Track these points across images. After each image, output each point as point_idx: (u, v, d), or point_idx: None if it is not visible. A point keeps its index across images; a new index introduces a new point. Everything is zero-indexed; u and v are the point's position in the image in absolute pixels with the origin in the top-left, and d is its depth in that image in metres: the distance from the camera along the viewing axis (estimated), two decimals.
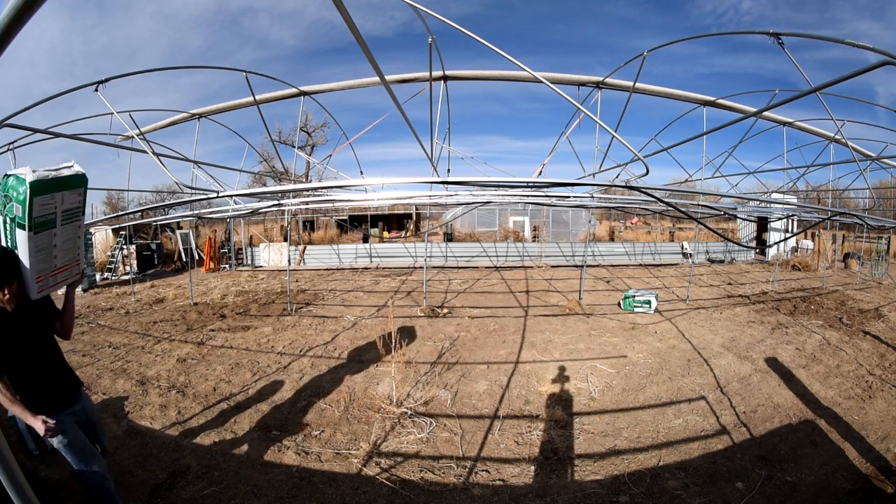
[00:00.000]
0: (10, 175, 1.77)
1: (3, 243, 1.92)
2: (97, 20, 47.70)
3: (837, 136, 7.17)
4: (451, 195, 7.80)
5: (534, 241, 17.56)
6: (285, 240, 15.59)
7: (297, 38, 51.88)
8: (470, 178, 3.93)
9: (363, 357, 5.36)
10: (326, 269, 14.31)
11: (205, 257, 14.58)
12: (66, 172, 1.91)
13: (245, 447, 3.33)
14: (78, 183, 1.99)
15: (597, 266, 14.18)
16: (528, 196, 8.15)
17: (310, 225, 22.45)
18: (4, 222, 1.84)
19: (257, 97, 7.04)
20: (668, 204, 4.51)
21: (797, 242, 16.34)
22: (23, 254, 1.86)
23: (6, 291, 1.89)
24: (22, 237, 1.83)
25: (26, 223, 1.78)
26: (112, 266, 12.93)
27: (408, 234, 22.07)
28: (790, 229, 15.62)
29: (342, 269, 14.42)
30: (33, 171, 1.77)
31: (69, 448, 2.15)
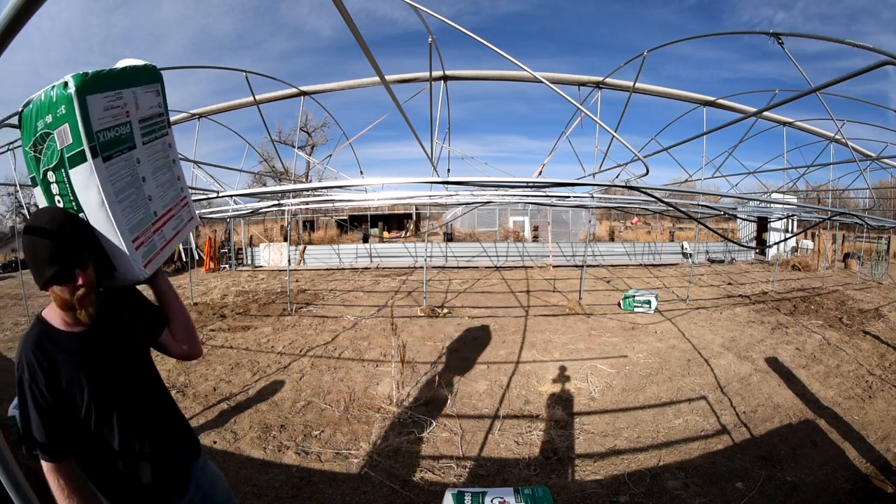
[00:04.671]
0: (35, 97, 1.08)
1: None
2: (121, 0, 44.33)
3: (837, 136, 7.17)
4: (451, 195, 7.81)
5: (534, 240, 17.55)
6: (285, 240, 15.59)
7: (335, 28, 50.34)
8: (470, 178, 3.93)
9: (363, 357, 5.36)
10: (326, 269, 14.31)
11: (205, 257, 14.58)
12: (122, 65, 1.22)
13: (245, 447, 3.33)
14: (149, 76, 1.30)
15: (597, 266, 14.18)
16: (528, 196, 8.16)
17: (310, 225, 22.45)
18: (45, 183, 1.11)
19: (257, 97, 7.04)
20: (668, 204, 4.51)
21: (797, 242, 16.34)
22: (92, 206, 1.10)
23: (77, 282, 1.07)
24: (84, 175, 1.07)
25: (85, 144, 1.04)
26: None
27: (408, 234, 22.07)
28: (790, 229, 15.62)
29: (342, 269, 14.42)
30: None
31: None
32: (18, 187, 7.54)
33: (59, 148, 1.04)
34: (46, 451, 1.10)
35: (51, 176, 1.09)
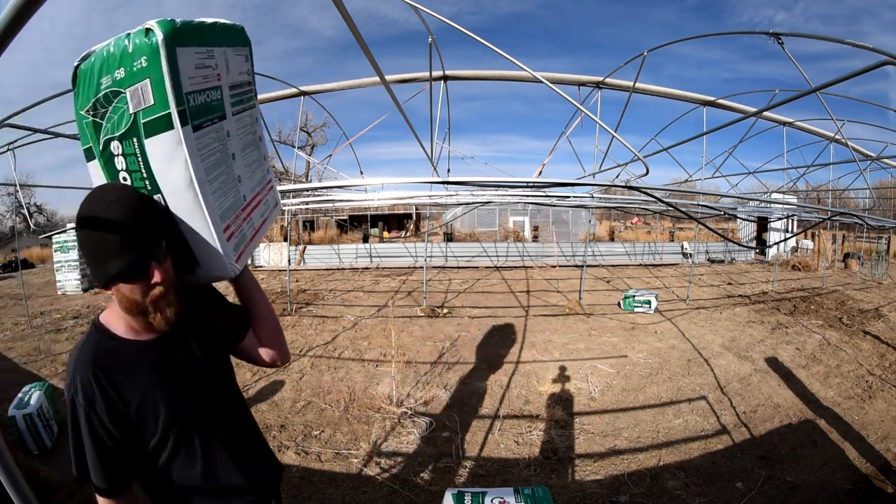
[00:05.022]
0: (98, 49, 0.85)
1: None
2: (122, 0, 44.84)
3: (837, 136, 7.17)
4: (451, 195, 7.81)
5: (534, 240, 17.55)
6: (285, 240, 15.59)
7: (336, 28, 50.53)
8: (469, 178, 3.93)
9: (363, 357, 5.36)
10: (326, 269, 14.31)
11: None
12: (210, 21, 0.99)
13: None
14: (239, 38, 1.11)
15: (597, 266, 14.18)
16: (528, 196, 8.16)
17: (310, 225, 22.45)
18: (106, 156, 0.88)
19: (257, 97, 7.03)
20: (668, 204, 4.51)
21: (797, 242, 16.33)
22: (176, 186, 0.88)
23: (152, 279, 0.85)
24: (166, 147, 0.85)
25: (173, 107, 0.83)
26: None
27: (408, 234, 22.07)
28: (790, 229, 15.62)
29: (342, 269, 14.42)
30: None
31: None
32: (18, 187, 7.53)
33: (131, 111, 0.83)
34: (104, 490, 0.91)
35: (115, 147, 0.87)
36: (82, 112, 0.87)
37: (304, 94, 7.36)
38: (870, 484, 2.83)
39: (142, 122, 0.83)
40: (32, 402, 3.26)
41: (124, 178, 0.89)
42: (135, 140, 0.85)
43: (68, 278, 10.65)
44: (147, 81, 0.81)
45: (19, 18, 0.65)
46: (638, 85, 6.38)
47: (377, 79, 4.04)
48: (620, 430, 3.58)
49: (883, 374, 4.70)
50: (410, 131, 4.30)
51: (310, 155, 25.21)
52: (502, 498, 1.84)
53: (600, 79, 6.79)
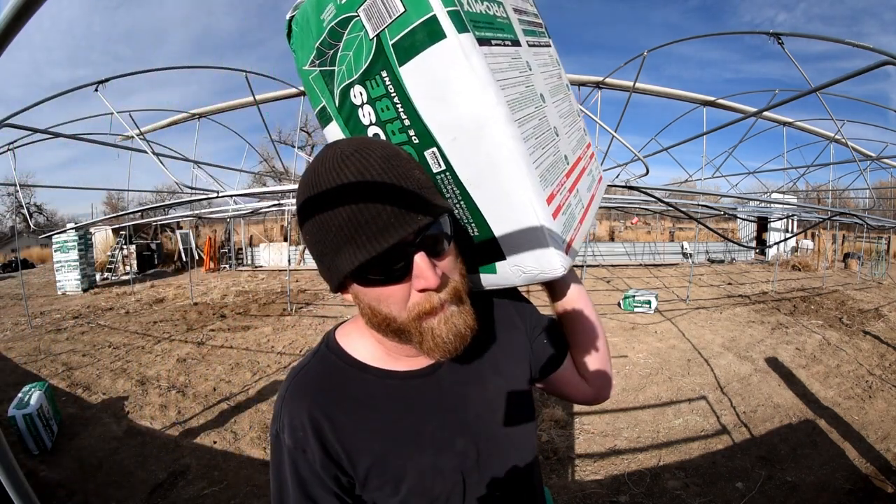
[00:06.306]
0: None
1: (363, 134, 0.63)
2: None
3: (837, 136, 7.18)
4: None
5: None
6: (285, 240, 15.60)
7: None
8: None
9: None
10: None
11: (205, 257, 14.59)
12: None
13: (245, 447, 3.33)
14: None
15: (597, 266, 14.18)
16: None
17: None
18: (347, 111, 0.64)
19: (257, 97, 7.04)
20: (668, 204, 4.51)
21: (797, 242, 16.33)
22: (466, 125, 0.55)
23: (422, 280, 0.50)
24: (439, 68, 0.53)
25: (436, 4, 0.52)
26: (112, 266, 12.94)
27: None
28: (790, 229, 15.61)
29: None
30: None
31: None
32: (18, 187, 7.54)
33: (371, 35, 0.56)
34: None
35: (356, 94, 0.61)
36: (306, 67, 0.68)
37: (305, 94, 7.36)
38: (870, 484, 2.83)
39: (390, 44, 0.55)
40: (32, 402, 3.26)
41: (376, 136, 0.62)
42: (384, 75, 0.57)
43: (68, 278, 10.65)
44: None
45: (19, 18, 0.66)
46: (638, 85, 6.38)
47: None
48: (620, 430, 3.58)
49: (883, 374, 4.70)
50: None
51: (309, 155, 25.21)
52: None
53: (600, 79, 6.80)
